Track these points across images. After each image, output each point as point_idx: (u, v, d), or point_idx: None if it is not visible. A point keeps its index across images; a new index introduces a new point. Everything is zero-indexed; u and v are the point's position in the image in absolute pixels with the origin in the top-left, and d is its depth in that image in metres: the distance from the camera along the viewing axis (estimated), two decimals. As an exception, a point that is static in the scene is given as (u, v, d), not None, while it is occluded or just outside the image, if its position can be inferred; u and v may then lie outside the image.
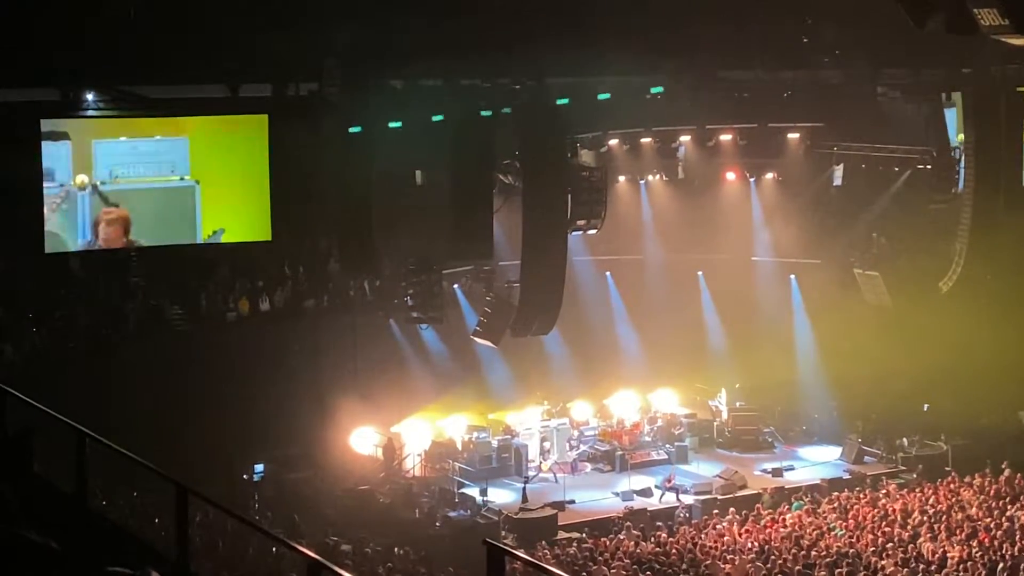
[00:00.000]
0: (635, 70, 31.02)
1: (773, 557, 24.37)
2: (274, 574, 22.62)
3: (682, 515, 29.71)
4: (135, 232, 29.93)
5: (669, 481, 31.03)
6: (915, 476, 31.70)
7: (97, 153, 29.43)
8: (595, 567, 24.27)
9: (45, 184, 28.75)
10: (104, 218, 29.45)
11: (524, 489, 30.72)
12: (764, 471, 32.90)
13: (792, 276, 37.09)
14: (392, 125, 29.15)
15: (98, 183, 29.43)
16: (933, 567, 23.50)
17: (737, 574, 23.73)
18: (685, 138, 34.49)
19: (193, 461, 23.28)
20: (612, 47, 28.62)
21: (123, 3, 25.97)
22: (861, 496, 29.46)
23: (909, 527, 26.36)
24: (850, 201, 35.62)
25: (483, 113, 29.19)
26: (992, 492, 28.86)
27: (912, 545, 24.99)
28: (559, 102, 29.87)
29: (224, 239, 30.67)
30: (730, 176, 36.79)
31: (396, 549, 26.32)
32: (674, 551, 25.65)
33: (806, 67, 32.43)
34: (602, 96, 30.68)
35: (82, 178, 29.19)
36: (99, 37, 25.83)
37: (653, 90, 31.74)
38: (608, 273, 37.57)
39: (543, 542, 27.11)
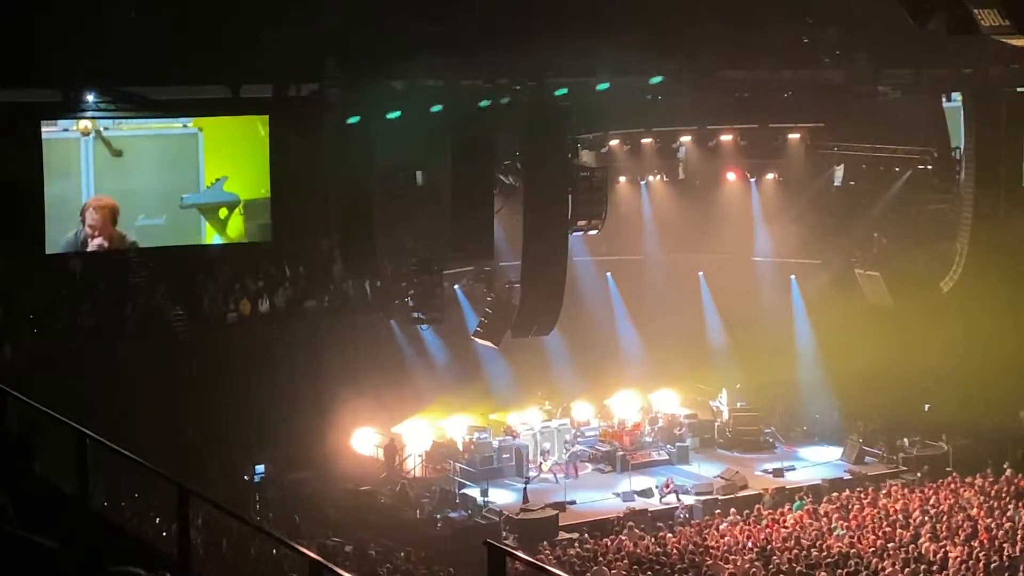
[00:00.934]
0: (636, 70, 31.02)
1: (774, 558, 24.36)
2: (276, 574, 22.63)
3: (683, 516, 29.71)
4: (123, 219, 29.97)
5: (667, 486, 31.00)
6: (917, 476, 31.69)
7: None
8: (596, 568, 24.27)
9: (44, 128, 28.65)
10: (92, 204, 29.44)
11: (525, 490, 30.72)
12: (765, 471, 32.89)
13: (793, 276, 37.07)
14: (390, 116, 29.10)
15: (101, 129, 29.43)
16: (934, 567, 23.49)
17: (739, 574, 23.73)
18: (686, 138, 34.51)
19: (194, 462, 23.36)
20: (613, 47, 28.64)
21: (124, 4, 26.00)
22: (862, 496, 29.45)
23: (910, 527, 26.36)
24: (851, 201, 35.62)
25: (481, 104, 29.18)
26: (993, 492, 28.86)
27: (913, 545, 24.98)
28: (557, 93, 29.83)
29: (227, 188, 30.61)
30: (731, 176, 36.75)
31: (400, 553, 26.30)
32: (675, 551, 25.65)
33: (807, 67, 32.44)
34: (601, 87, 30.60)
35: (85, 124, 29.19)
36: (100, 38, 25.85)
37: (652, 80, 31.70)
38: (609, 273, 37.55)
39: (544, 542, 27.11)
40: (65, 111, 28.77)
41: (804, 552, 24.75)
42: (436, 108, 29.20)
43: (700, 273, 37.79)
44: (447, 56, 27.95)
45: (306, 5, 27.48)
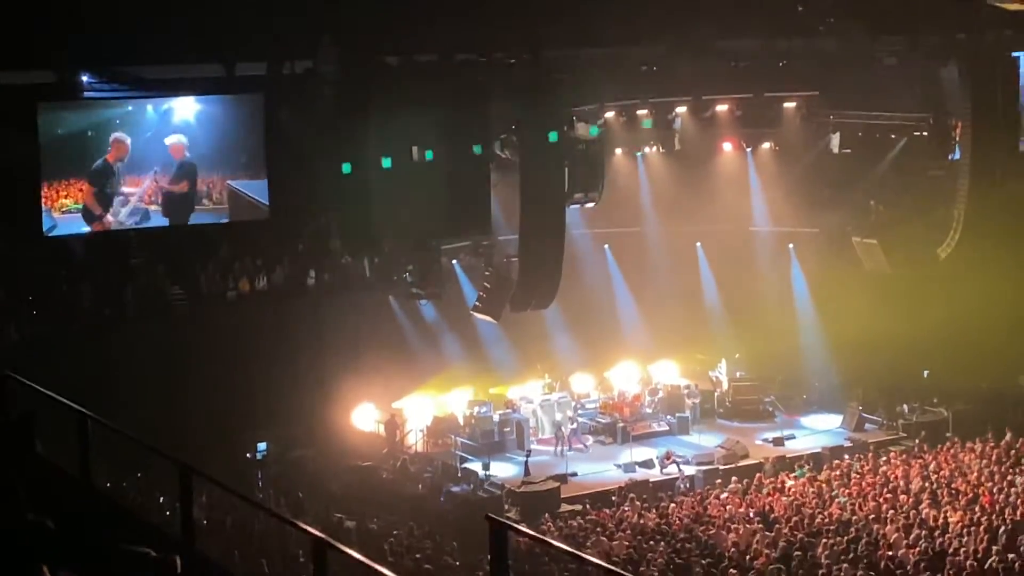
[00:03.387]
0: (631, 40, 30.93)
1: (777, 526, 24.46)
2: (280, 551, 22.71)
3: (684, 486, 29.80)
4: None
5: (668, 458, 31.09)
6: (916, 442, 31.78)
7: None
8: (598, 539, 24.36)
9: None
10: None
11: (526, 462, 30.82)
12: (765, 440, 33.01)
13: (791, 245, 37.11)
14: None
15: None
16: (936, 533, 23.60)
17: (742, 543, 23.82)
18: (681, 109, 34.42)
19: (196, 441, 23.41)
20: (608, 17, 28.58)
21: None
22: (863, 463, 29.55)
23: (911, 493, 26.47)
24: (847, 169, 35.60)
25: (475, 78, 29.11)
26: (993, 457, 28.96)
27: (914, 511, 25.08)
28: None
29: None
30: (727, 147, 36.72)
31: (402, 528, 26.38)
32: (677, 521, 25.75)
33: (802, 35, 32.34)
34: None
35: None
36: (94, 19, 25.80)
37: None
38: (607, 246, 37.58)
39: (546, 515, 27.21)
40: (60, 92, 28.72)
41: (806, 520, 24.85)
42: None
43: (698, 244, 37.84)
44: (442, 28, 27.88)
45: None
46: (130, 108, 29.46)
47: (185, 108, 29.74)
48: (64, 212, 28.94)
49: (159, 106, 29.62)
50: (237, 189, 30.40)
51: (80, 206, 29.02)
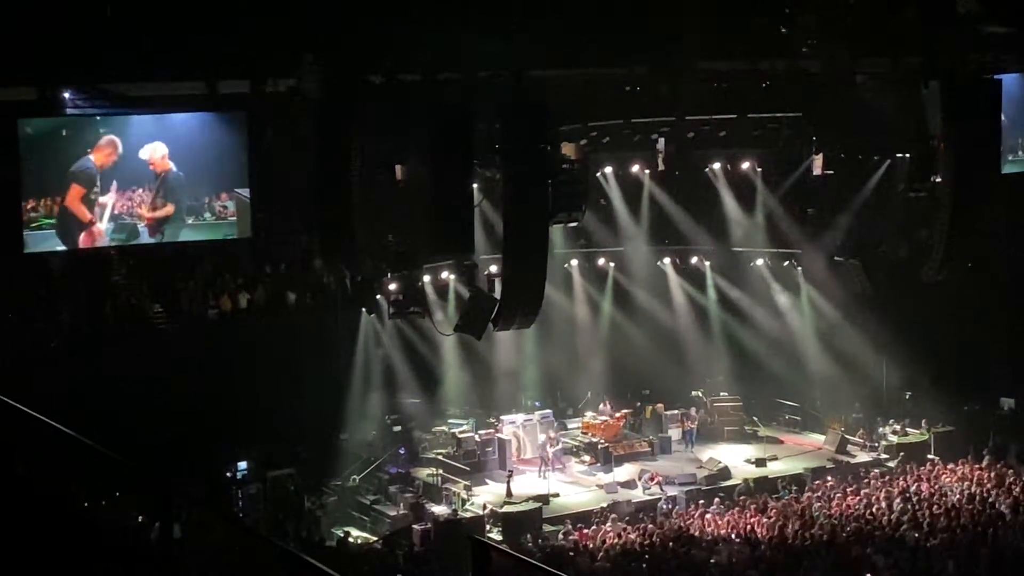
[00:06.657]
0: (615, 61, 30.96)
1: (759, 547, 24.43)
2: (262, 571, 22.60)
3: (666, 506, 29.77)
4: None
5: (652, 479, 31.07)
6: (898, 464, 31.83)
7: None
8: (580, 559, 24.29)
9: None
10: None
11: (508, 483, 30.75)
12: (748, 461, 33.00)
13: (772, 266, 37.13)
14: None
15: None
16: (917, 554, 23.59)
17: (724, 564, 23.77)
18: (664, 129, 34.40)
19: (176, 460, 23.27)
20: (591, 38, 28.61)
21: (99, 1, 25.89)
22: (845, 485, 29.55)
23: (893, 515, 26.46)
24: (830, 190, 35.65)
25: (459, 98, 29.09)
26: (974, 479, 29.00)
27: (896, 533, 25.08)
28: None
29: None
30: (709, 167, 36.74)
31: (384, 547, 26.31)
32: (659, 541, 25.69)
33: (784, 57, 32.41)
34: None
35: None
36: (75, 35, 25.73)
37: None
38: (588, 265, 37.55)
39: (528, 535, 27.12)
40: (42, 109, 28.56)
41: (788, 541, 24.82)
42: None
43: (680, 264, 37.84)
44: (424, 49, 27.87)
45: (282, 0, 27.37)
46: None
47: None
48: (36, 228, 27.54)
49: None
50: (244, 197, 29.36)
51: (53, 219, 27.54)
